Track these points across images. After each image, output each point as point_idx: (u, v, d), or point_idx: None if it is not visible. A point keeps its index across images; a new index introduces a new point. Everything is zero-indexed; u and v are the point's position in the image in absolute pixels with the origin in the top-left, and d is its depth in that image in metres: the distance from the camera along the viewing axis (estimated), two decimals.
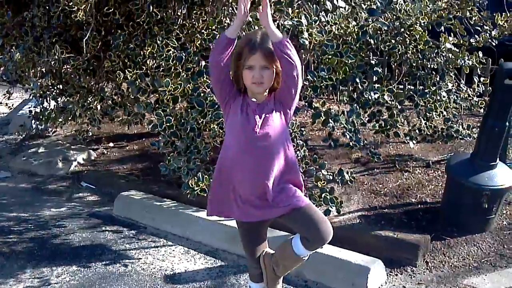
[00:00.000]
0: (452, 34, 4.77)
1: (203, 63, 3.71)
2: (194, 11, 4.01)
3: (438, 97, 4.48)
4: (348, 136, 3.83)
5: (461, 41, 4.84)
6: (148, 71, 4.03)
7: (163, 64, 3.66)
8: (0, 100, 5.40)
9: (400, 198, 4.25)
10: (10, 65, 4.14)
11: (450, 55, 4.68)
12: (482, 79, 4.97)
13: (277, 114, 2.39)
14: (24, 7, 4.46)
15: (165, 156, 3.86)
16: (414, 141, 4.68)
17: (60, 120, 5.22)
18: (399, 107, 4.41)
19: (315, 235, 2.37)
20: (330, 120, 3.61)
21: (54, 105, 5.22)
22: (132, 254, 3.74)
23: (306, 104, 4.41)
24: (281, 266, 2.57)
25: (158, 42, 3.69)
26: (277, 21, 3.73)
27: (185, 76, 3.53)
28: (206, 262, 3.63)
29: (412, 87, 4.77)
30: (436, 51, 4.60)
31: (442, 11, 4.71)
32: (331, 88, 4.38)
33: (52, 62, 3.94)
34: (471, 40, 4.96)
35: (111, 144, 5.99)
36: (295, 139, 3.82)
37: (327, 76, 3.53)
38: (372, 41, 4.02)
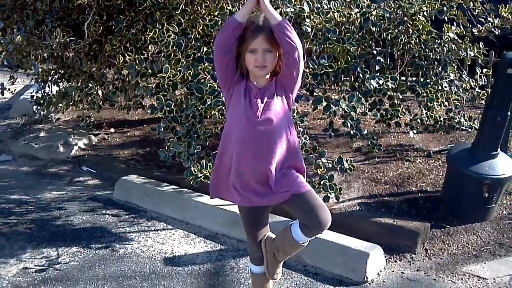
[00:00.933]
0: (455, 23, 4.76)
1: (205, 49, 3.69)
2: None
3: (440, 87, 4.47)
4: (349, 125, 3.83)
5: (464, 32, 4.83)
6: (149, 56, 4.03)
7: (163, 49, 3.65)
8: (5, 86, 5.38)
9: (401, 186, 4.25)
10: (11, 48, 4.12)
11: (453, 45, 4.67)
12: (484, 70, 4.96)
13: (279, 98, 2.38)
14: None
15: (164, 141, 3.86)
16: (414, 131, 4.68)
17: (61, 105, 5.22)
18: (400, 96, 4.41)
19: (313, 222, 2.36)
20: (331, 106, 3.60)
21: (56, 91, 5.21)
22: (132, 236, 3.75)
23: (308, 92, 4.42)
24: (280, 251, 2.58)
25: (159, 27, 3.68)
26: (280, 9, 3.72)
27: (185, 62, 3.52)
28: (206, 245, 3.64)
29: (414, 77, 4.78)
30: (438, 41, 4.59)
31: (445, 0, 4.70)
32: (332, 78, 4.40)
33: (54, 46, 3.93)
34: (474, 30, 4.95)
35: (112, 130, 5.99)
36: (296, 126, 3.82)
37: (327, 64, 3.52)
38: (374, 29, 4.01)
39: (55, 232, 3.81)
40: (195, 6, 4.10)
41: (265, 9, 2.27)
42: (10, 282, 3.15)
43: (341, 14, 3.73)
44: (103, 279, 3.19)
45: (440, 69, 4.69)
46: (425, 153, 4.94)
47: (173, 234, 3.80)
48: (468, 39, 4.89)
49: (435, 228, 3.74)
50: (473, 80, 4.83)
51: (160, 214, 4.08)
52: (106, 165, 5.06)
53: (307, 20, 3.58)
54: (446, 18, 4.56)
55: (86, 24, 4.04)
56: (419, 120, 4.75)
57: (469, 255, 3.52)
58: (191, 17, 3.95)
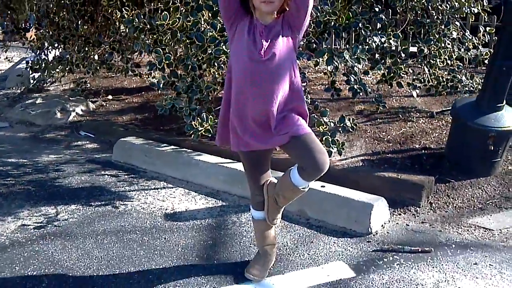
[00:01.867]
0: None
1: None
2: None
3: (443, 45, 4.38)
4: (352, 79, 3.75)
5: None
6: (146, 13, 3.94)
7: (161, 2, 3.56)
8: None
9: (404, 144, 4.18)
10: None
11: (456, 3, 4.57)
12: (487, 28, 4.86)
13: (285, 37, 2.27)
14: None
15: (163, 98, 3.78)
16: (417, 91, 4.60)
17: (57, 70, 5.14)
18: (403, 55, 4.32)
19: (310, 164, 2.29)
20: (334, 58, 3.51)
21: (52, 57, 5.13)
22: (132, 195, 3.69)
23: (309, 51, 4.33)
24: (281, 197, 2.52)
25: None
26: None
27: (183, 11, 3.42)
28: (207, 202, 3.58)
29: (417, 36, 4.68)
30: None
31: None
32: (333, 34, 4.29)
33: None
34: None
35: (110, 97, 5.90)
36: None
37: (330, 10, 3.42)
38: None
39: (53, 192, 3.74)
40: None
41: None
42: (8, 238, 3.09)
43: None
44: (103, 234, 3.13)
45: (443, 27, 4.61)
46: (428, 114, 4.87)
47: (174, 192, 3.74)
48: None
49: (440, 182, 3.68)
50: (476, 38, 4.74)
51: (160, 174, 4.02)
52: (104, 130, 4.99)
53: None
54: None
55: None
56: (421, 80, 4.67)
57: (475, 208, 3.46)
58: None
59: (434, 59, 4.40)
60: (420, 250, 2.94)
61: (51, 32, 4.87)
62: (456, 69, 4.64)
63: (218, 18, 3.36)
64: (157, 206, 3.52)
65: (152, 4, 3.94)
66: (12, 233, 3.16)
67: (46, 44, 5.21)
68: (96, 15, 4.51)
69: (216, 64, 3.54)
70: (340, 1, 3.65)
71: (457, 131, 3.86)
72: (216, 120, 3.50)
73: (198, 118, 3.44)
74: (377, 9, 4.34)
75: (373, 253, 2.93)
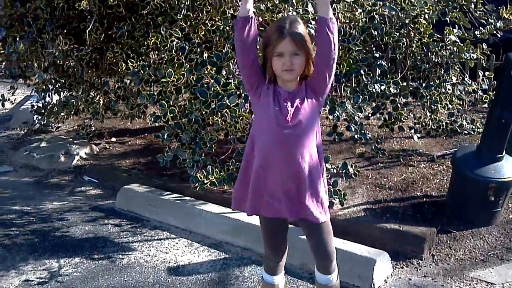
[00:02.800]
0: (456, 27, 4.74)
1: (206, 54, 3.67)
2: (198, 2, 3.98)
3: (443, 90, 4.44)
4: (353, 129, 3.80)
5: (466, 35, 4.81)
6: (152, 63, 4.01)
7: (166, 55, 3.63)
8: (5, 97, 5.33)
9: (405, 191, 4.21)
10: (15, 57, 4.10)
11: (455, 48, 4.65)
12: (486, 73, 4.93)
13: (309, 102, 2.30)
14: None
15: (168, 148, 3.83)
16: (418, 135, 4.65)
17: (62, 114, 5.20)
18: (403, 100, 4.38)
19: (317, 259, 2.54)
20: (336, 107, 3.56)
21: (57, 100, 5.19)
22: (135, 246, 3.71)
23: None
24: None
25: (162, 32, 3.66)
26: (282, 12, 3.70)
27: (188, 66, 3.49)
28: (210, 254, 3.60)
29: (417, 81, 4.75)
30: (440, 44, 4.57)
31: (446, 1, 4.68)
32: (334, 81, 4.36)
33: (56, 53, 3.91)
34: (476, 33, 4.93)
35: (113, 139, 5.95)
36: None
37: None
38: (376, 33, 3.99)
39: (57, 243, 3.77)
40: (197, 12, 4.08)
41: None
42: None
43: (345, 15, 3.70)
44: None
45: (442, 72, 4.68)
46: (429, 157, 4.91)
47: (177, 243, 3.76)
48: (470, 41, 4.88)
49: (441, 233, 3.69)
50: (475, 83, 4.81)
51: (163, 223, 4.04)
52: (107, 175, 5.02)
53: (312, 22, 3.55)
54: (448, 20, 4.54)
55: (87, 31, 4.02)
56: (422, 124, 4.73)
57: (476, 260, 3.47)
58: (193, 22, 3.93)
59: (435, 104, 4.46)
60: None
61: (56, 78, 4.94)
62: (456, 112, 4.69)
63: (222, 73, 3.43)
64: (160, 259, 3.53)
65: (157, 55, 4.01)
66: None
67: (50, 87, 5.27)
68: (101, 64, 4.58)
69: (218, 119, 3.60)
70: (340, 47, 3.71)
71: (457, 181, 3.89)
72: (222, 174, 3.54)
73: (203, 171, 3.47)
74: (377, 55, 4.42)
75: None
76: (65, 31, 4.27)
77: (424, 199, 4.08)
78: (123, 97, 4.64)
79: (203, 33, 3.87)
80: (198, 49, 3.67)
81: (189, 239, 3.80)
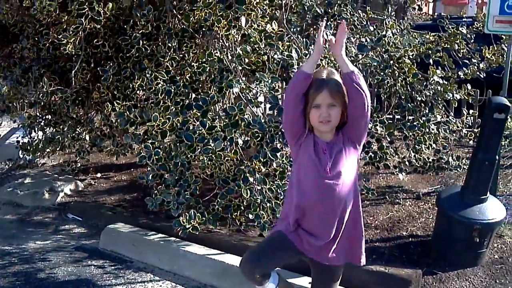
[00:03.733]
0: (440, 67, 4.82)
1: (193, 95, 3.68)
2: (185, 44, 4.01)
3: (427, 130, 4.49)
4: None
5: (450, 74, 4.90)
6: (137, 103, 4.02)
7: (152, 98, 3.65)
8: None
9: (391, 231, 4.21)
10: None
11: (439, 87, 4.72)
12: (471, 111, 5.00)
13: (348, 151, 2.36)
14: (13, 39, 4.44)
15: (153, 188, 3.81)
16: (403, 173, 4.68)
17: (48, 150, 5.17)
18: (388, 139, 4.42)
19: None
20: None
21: (42, 136, 5.16)
22: None
23: None
24: None
25: (148, 75, 3.68)
26: (267, 55, 3.74)
27: (174, 109, 3.50)
28: None
29: (402, 119, 4.80)
30: (424, 83, 4.64)
31: (430, 43, 4.77)
32: None
33: (40, 95, 3.91)
34: (459, 73, 5.02)
35: (98, 175, 5.92)
36: (286, 171, 3.78)
37: None
38: None
39: (38, 286, 3.69)
40: (183, 53, 4.11)
41: (338, 56, 2.29)
42: None
43: (329, 60, 3.75)
44: None
45: (427, 110, 4.73)
46: (415, 195, 4.93)
47: (160, 286, 3.70)
48: (454, 80, 4.96)
49: (427, 274, 3.68)
50: (460, 121, 4.87)
51: (147, 264, 3.99)
52: (92, 213, 4.97)
53: (295, 66, 3.59)
54: (431, 60, 4.62)
55: (73, 71, 4.03)
56: (407, 162, 4.76)
57: None
58: (179, 64, 3.95)
59: (419, 144, 4.50)
60: None
61: (42, 115, 4.93)
62: (442, 149, 4.74)
63: (208, 116, 3.44)
64: None
65: (143, 94, 4.01)
66: None
67: (36, 123, 5.25)
68: (87, 101, 4.58)
69: (204, 158, 3.59)
70: None
71: (442, 222, 3.90)
72: (204, 218, 3.53)
73: (186, 214, 3.46)
74: None
75: None
76: (51, 70, 4.27)
77: (410, 239, 4.08)
78: (108, 135, 4.62)
79: (189, 75, 3.89)
80: (185, 90, 3.68)
81: (173, 282, 3.75)
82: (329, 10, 4.49)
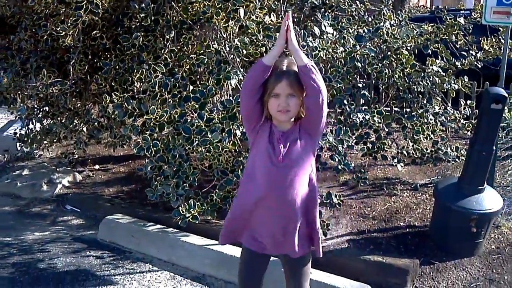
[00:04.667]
0: (438, 58, 4.82)
1: (191, 87, 3.68)
2: (183, 36, 4.00)
3: (425, 120, 4.50)
4: (336, 159, 3.82)
5: (447, 65, 4.90)
6: (136, 95, 4.01)
7: (149, 90, 3.64)
8: None
9: (389, 221, 4.23)
10: None
11: (437, 78, 4.73)
12: (468, 102, 5.01)
13: (302, 142, 2.36)
14: (11, 30, 4.42)
15: (151, 180, 3.81)
16: (401, 164, 4.69)
17: (45, 142, 5.16)
18: (386, 129, 4.42)
19: None
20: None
21: (40, 127, 5.15)
22: (117, 279, 3.67)
23: None
24: None
25: (146, 67, 3.67)
26: (265, 46, 3.74)
27: (171, 102, 3.50)
28: (193, 287, 3.57)
29: (399, 110, 4.81)
30: (422, 74, 4.64)
31: (428, 34, 4.77)
32: None
33: (40, 87, 3.90)
34: (457, 63, 5.03)
35: (97, 167, 5.92)
36: None
37: None
38: (359, 65, 4.05)
39: (37, 276, 3.71)
40: (182, 45, 4.10)
41: (292, 50, 2.27)
42: None
43: (327, 51, 3.75)
44: None
45: (425, 101, 4.74)
46: (412, 186, 4.95)
47: (159, 276, 3.72)
48: (452, 71, 4.96)
49: (424, 264, 3.71)
50: (457, 112, 4.87)
51: (145, 255, 4.00)
52: (90, 204, 4.98)
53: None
54: (429, 51, 4.63)
55: (71, 63, 4.02)
56: (405, 153, 4.77)
57: None
58: (178, 56, 3.94)
59: (418, 134, 4.50)
60: None
61: (40, 107, 4.91)
62: (440, 140, 4.75)
63: (206, 108, 3.44)
64: None
65: (141, 85, 4.01)
66: None
67: (34, 115, 5.23)
68: (85, 93, 4.57)
69: (202, 149, 3.59)
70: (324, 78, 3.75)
71: (439, 212, 3.92)
72: (203, 207, 3.54)
73: (186, 204, 3.46)
74: (360, 85, 4.47)
75: None
76: (48, 61, 4.25)
77: (407, 230, 4.11)
78: (106, 127, 4.62)
79: (187, 66, 3.88)
80: (183, 82, 3.68)
81: (172, 272, 3.77)
82: (327, 1, 4.47)
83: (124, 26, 3.96)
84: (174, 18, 3.93)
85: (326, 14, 4.20)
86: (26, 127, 5.28)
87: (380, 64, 4.35)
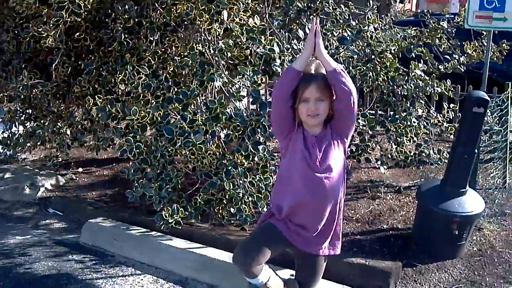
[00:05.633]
0: (422, 61, 4.86)
1: (175, 89, 3.67)
2: (167, 38, 3.99)
3: (409, 123, 4.53)
4: None
5: (431, 69, 4.94)
6: (119, 97, 3.98)
7: (132, 92, 3.63)
8: None
9: (372, 224, 4.25)
10: None
11: (420, 82, 4.76)
12: (451, 105, 5.05)
13: (336, 144, 2.42)
14: None
15: (134, 182, 3.79)
16: (385, 166, 4.72)
17: (28, 145, 5.11)
18: (370, 132, 4.45)
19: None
20: None
21: (23, 130, 5.10)
22: (99, 283, 3.63)
23: None
24: None
25: (130, 69, 3.65)
26: (250, 49, 3.74)
27: (154, 103, 3.49)
28: None
29: (383, 113, 4.84)
30: (406, 78, 4.68)
31: (412, 38, 4.81)
32: None
33: (20, 88, 3.86)
34: (440, 67, 5.07)
35: (80, 169, 5.88)
36: (268, 165, 3.79)
37: None
38: (343, 66, 4.06)
39: (18, 280, 3.66)
40: (166, 46, 4.09)
41: (320, 56, 2.30)
42: None
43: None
44: None
45: (408, 104, 4.78)
46: (395, 188, 4.97)
47: (142, 280, 3.69)
48: (436, 75, 5.01)
49: (407, 266, 3.72)
50: (440, 115, 4.91)
51: (128, 258, 3.97)
52: (73, 207, 4.93)
53: (278, 60, 3.60)
54: (413, 55, 4.66)
55: (54, 65, 3.99)
56: (389, 155, 4.80)
57: None
58: (162, 58, 3.93)
59: (401, 137, 4.53)
60: None
61: (21, 110, 4.87)
62: (423, 143, 4.78)
63: (189, 109, 3.43)
64: None
65: (125, 87, 3.98)
66: None
67: (16, 117, 5.18)
68: (69, 96, 4.53)
69: (186, 152, 3.58)
70: None
71: (422, 215, 3.94)
72: (187, 212, 3.53)
73: (169, 208, 3.45)
74: None
75: None
76: (31, 63, 4.22)
77: (391, 232, 4.12)
78: (89, 130, 4.58)
79: (171, 68, 3.87)
80: (166, 84, 3.67)
81: (155, 275, 3.74)
82: (311, 5, 4.49)
83: (108, 28, 3.94)
84: (157, 20, 3.92)
85: (311, 17, 4.22)
86: (9, 130, 5.23)
87: (364, 67, 4.38)
